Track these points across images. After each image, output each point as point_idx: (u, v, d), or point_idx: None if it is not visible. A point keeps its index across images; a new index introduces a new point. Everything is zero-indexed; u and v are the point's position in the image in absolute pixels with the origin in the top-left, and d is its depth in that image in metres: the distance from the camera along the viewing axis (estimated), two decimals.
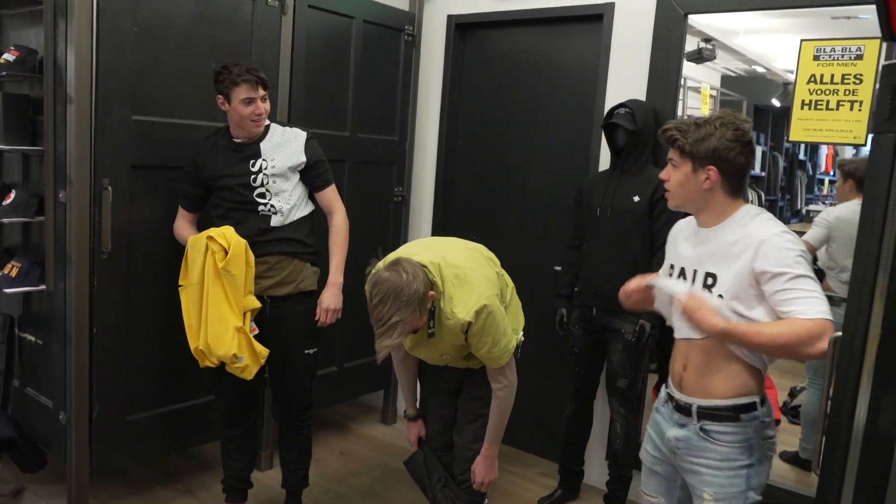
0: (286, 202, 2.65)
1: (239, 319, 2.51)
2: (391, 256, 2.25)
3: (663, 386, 2.03)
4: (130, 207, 2.70)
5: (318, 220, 2.83)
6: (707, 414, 1.85)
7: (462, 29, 3.78)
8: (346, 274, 2.81)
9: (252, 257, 2.56)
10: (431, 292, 2.14)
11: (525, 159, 3.65)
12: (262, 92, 2.55)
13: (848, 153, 6.90)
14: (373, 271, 2.16)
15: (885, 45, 2.56)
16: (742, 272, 1.76)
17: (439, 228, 3.91)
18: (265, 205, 2.63)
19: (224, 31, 2.90)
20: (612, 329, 2.92)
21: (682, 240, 1.98)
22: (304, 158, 2.68)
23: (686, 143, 1.82)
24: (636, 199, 2.87)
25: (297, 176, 2.69)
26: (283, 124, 2.74)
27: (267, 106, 2.60)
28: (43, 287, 2.68)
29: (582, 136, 3.37)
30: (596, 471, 3.34)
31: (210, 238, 2.51)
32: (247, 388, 2.72)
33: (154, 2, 2.66)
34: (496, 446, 2.44)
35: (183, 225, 2.73)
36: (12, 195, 2.73)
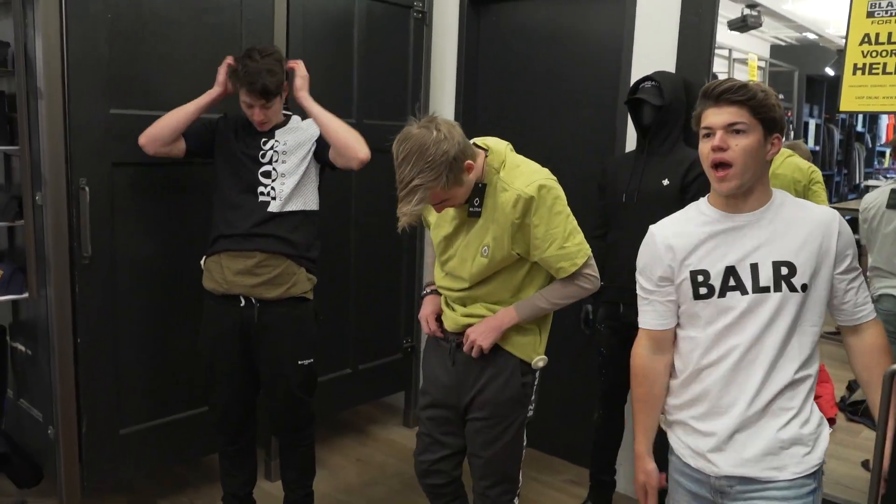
0: (290, 183, 2.45)
1: None
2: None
3: None
4: (112, 208, 2.53)
5: (323, 232, 2.62)
6: None
7: (476, 3, 3.49)
8: (358, 270, 2.57)
9: None
10: (469, 161, 1.87)
11: (547, 141, 3.36)
12: (261, 101, 2.37)
13: None
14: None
15: None
16: (819, 253, 1.57)
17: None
18: (265, 186, 2.44)
19: (209, 13, 2.69)
20: None
21: (701, 240, 1.65)
22: (315, 132, 2.52)
23: (762, 103, 1.54)
24: (665, 182, 2.57)
25: (309, 157, 2.51)
26: (304, 118, 2.60)
27: (271, 113, 2.44)
28: (26, 295, 2.53)
29: (607, 114, 3.07)
30: (629, 478, 3.06)
31: None
32: (240, 399, 2.55)
33: None
34: (516, 321, 2.02)
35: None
36: None
